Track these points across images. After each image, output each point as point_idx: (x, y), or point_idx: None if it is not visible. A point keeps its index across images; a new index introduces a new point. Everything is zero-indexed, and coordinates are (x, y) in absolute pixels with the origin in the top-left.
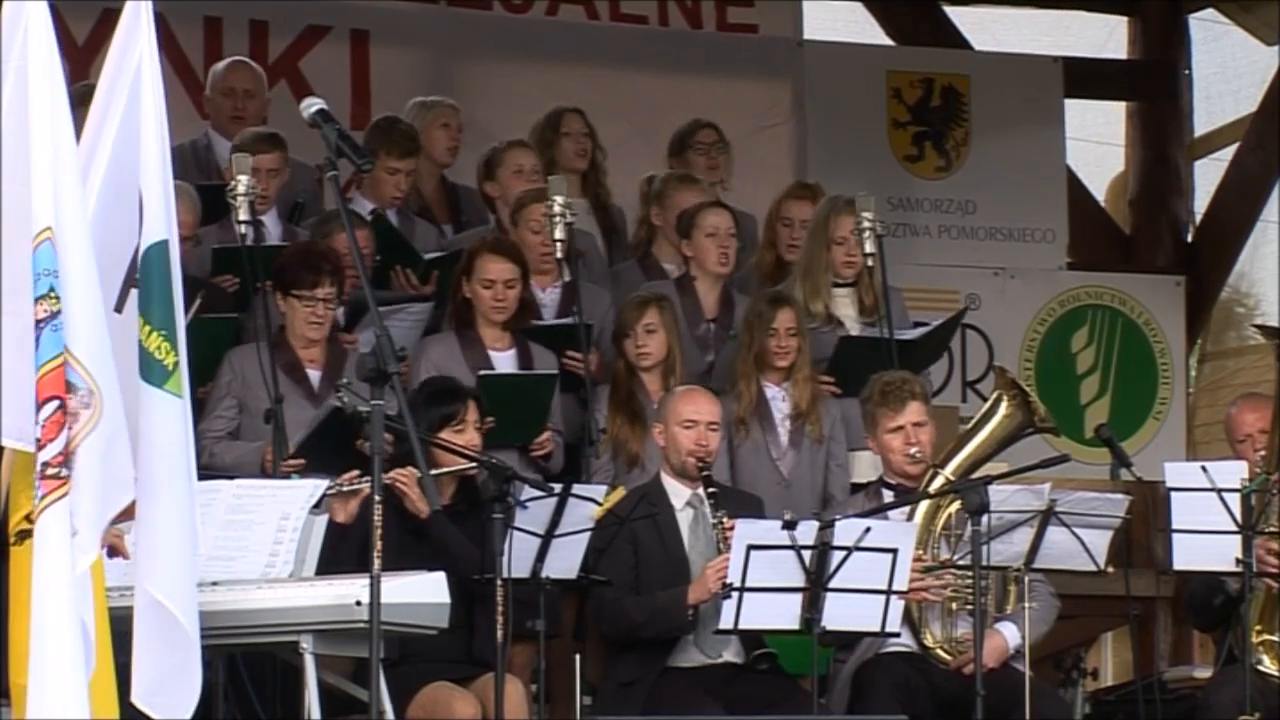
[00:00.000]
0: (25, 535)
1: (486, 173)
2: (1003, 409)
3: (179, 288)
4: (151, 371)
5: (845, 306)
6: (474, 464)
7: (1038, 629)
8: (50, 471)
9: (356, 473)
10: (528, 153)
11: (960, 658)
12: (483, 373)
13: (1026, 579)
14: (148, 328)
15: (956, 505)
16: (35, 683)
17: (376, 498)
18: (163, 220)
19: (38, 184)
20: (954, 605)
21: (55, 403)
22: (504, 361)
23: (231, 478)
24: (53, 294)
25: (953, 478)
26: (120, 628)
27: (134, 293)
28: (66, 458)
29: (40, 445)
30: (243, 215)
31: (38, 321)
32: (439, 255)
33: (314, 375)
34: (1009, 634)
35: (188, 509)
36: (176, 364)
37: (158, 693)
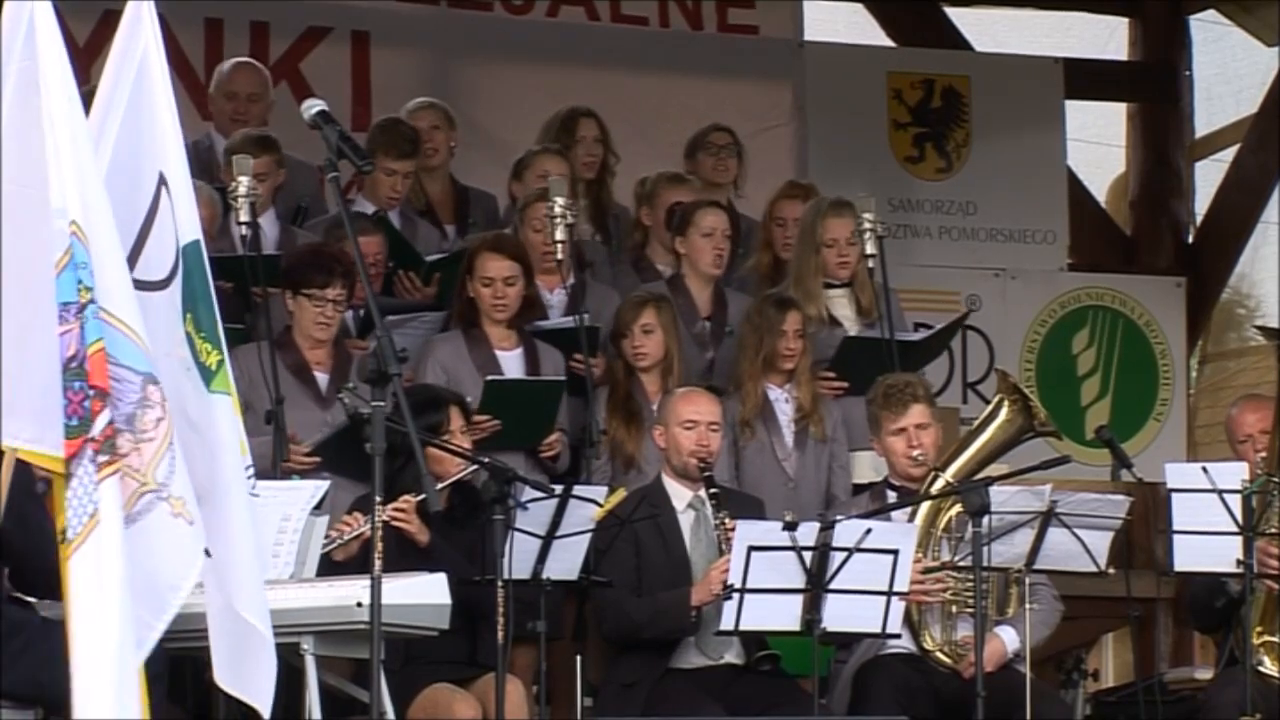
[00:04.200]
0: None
1: (515, 173)
2: (1004, 413)
3: (211, 284)
4: (203, 376)
5: (843, 307)
6: (473, 466)
7: (1040, 631)
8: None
9: (357, 519)
10: (557, 161)
11: (960, 661)
12: (490, 378)
13: (1028, 580)
14: (198, 331)
15: (958, 508)
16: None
17: (378, 497)
18: (192, 219)
19: (63, 179)
20: (954, 608)
21: (94, 389)
22: (510, 360)
23: None
24: (83, 285)
25: (954, 481)
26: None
27: (147, 294)
28: (106, 440)
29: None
30: (244, 216)
31: (80, 309)
32: (441, 257)
33: (321, 378)
34: (1008, 638)
35: (249, 508)
36: (220, 362)
37: (250, 684)
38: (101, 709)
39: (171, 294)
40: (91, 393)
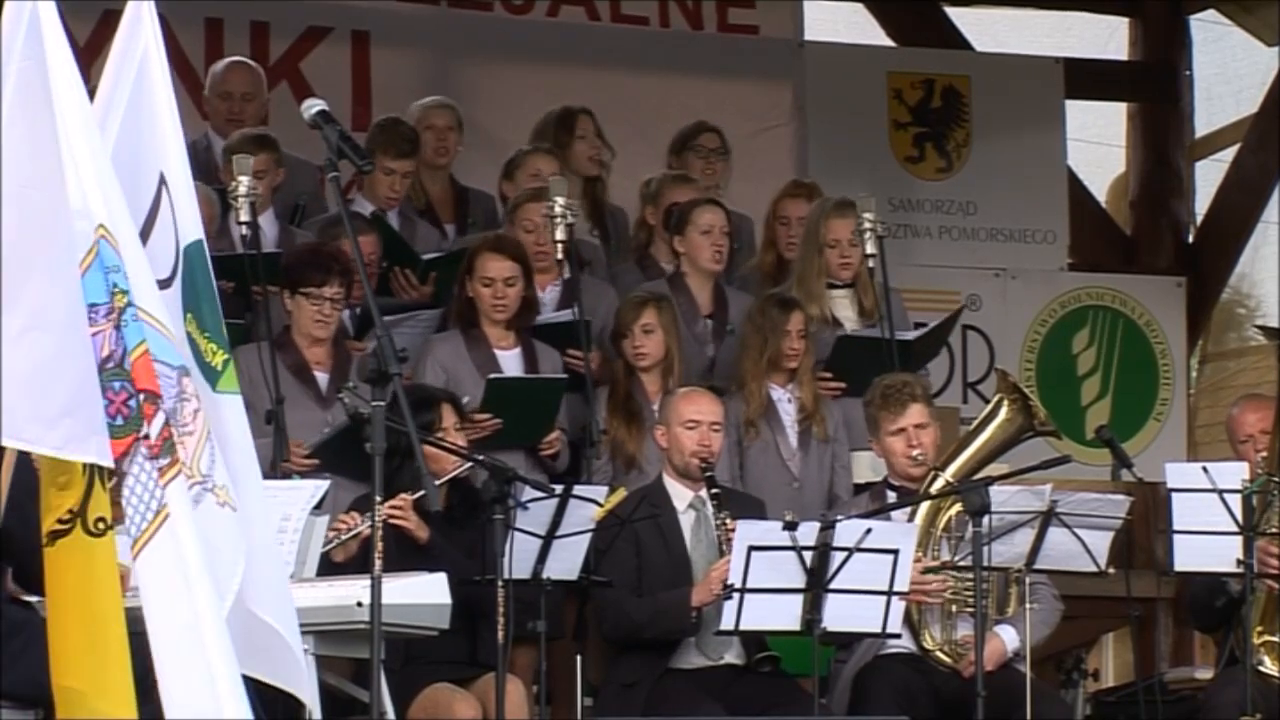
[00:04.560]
0: (58, 535)
1: (506, 173)
2: (1004, 412)
3: (214, 283)
4: (208, 375)
5: (844, 308)
6: (468, 464)
7: (1040, 631)
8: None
9: (355, 519)
10: (548, 159)
11: (960, 660)
12: (492, 376)
13: (1028, 580)
14: (200, 331)
15: (958, 507)
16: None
17: (378, 497)
18: (193, 218)
19: (81, 180)
20: (954, 607)
21: (143, 392)
22: (509, 360)
23: None
24: (118, 289)
25: (953, 480)
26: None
27: (163, 293)
28: (165, 442)
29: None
30: (244, 216)
31: (116, 312)
32: (438, 256)
33: (321, 377)
34: (1007, 637)
35: (264, 509)
36: (226, 361)
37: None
38: (207, 708)
39: (173, 294)
40: (141, 396)
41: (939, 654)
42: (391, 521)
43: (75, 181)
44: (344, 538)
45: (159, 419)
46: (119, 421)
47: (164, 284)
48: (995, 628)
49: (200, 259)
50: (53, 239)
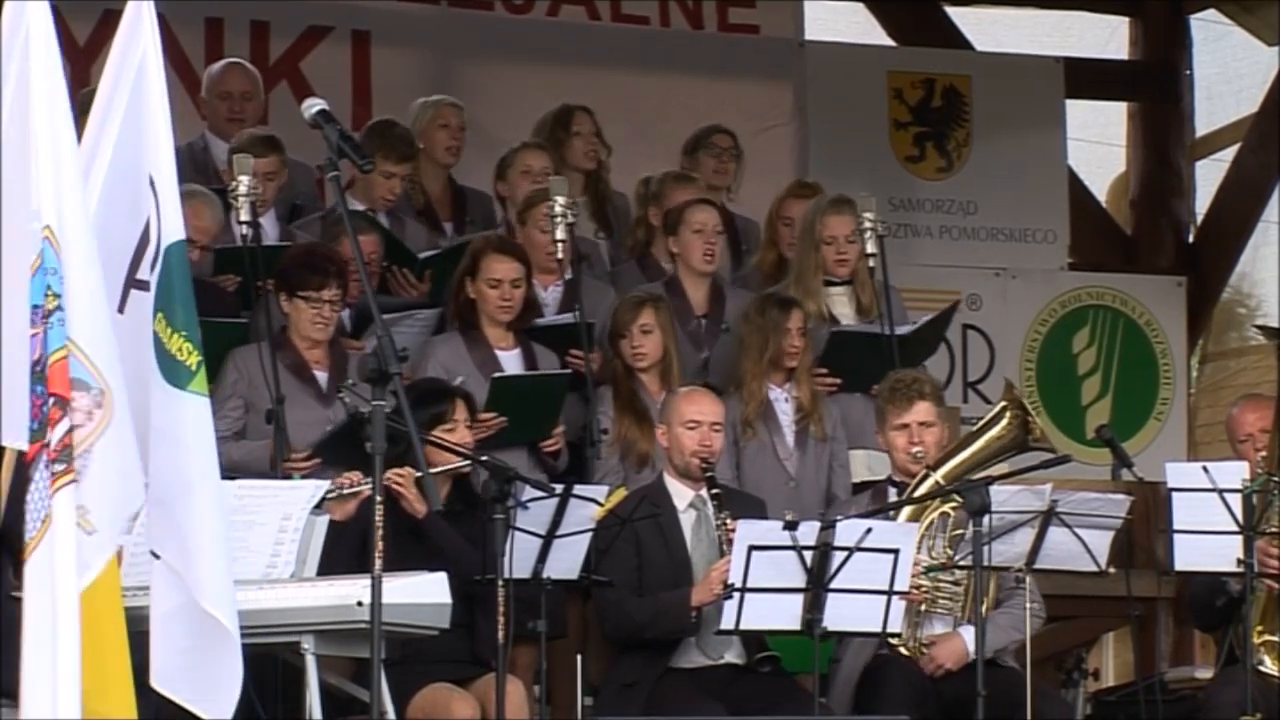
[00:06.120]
0: None
1: (498, 173)
2: (1003, 423)
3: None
4: (177, 374)
5: (842, 305)
6: (468, 461)
7: (1009, 635)
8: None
9: (357, 475)
10: (539, 154)
11: (921, 657)
12: (496, 375)
13: (1027, 581)
14: (170, 329)
15: (947, 506)
16: (33, 679)
17: (378, 498)
18: (178, 219)
19: (38, 181)
20: (923, 606)
21: (53, 396)
22: (510, 360)
23: (234, 477)
24: (50, 291)
25: (943, 481)
26: (132, 628)
27: (142, 295)
28: (64, 450)
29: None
30: (244, 216)
31: (46, 315)
32: (434, 254)
33: (321, 376)
34: (968, 637)
35: (220, 508)
36: (199, 364)
37: (202, 691)
38: (47, 709)
39: (149, 297)
40: (51, 400)
41: (902, 650)
42: (391, 487)
43: (35, 181)
44: (344, 492)
45: (63, 425)
46: (34, 425)
47: (145, 286)
48: (959, 628)
49: (180, 260)
50: (25, 240)
